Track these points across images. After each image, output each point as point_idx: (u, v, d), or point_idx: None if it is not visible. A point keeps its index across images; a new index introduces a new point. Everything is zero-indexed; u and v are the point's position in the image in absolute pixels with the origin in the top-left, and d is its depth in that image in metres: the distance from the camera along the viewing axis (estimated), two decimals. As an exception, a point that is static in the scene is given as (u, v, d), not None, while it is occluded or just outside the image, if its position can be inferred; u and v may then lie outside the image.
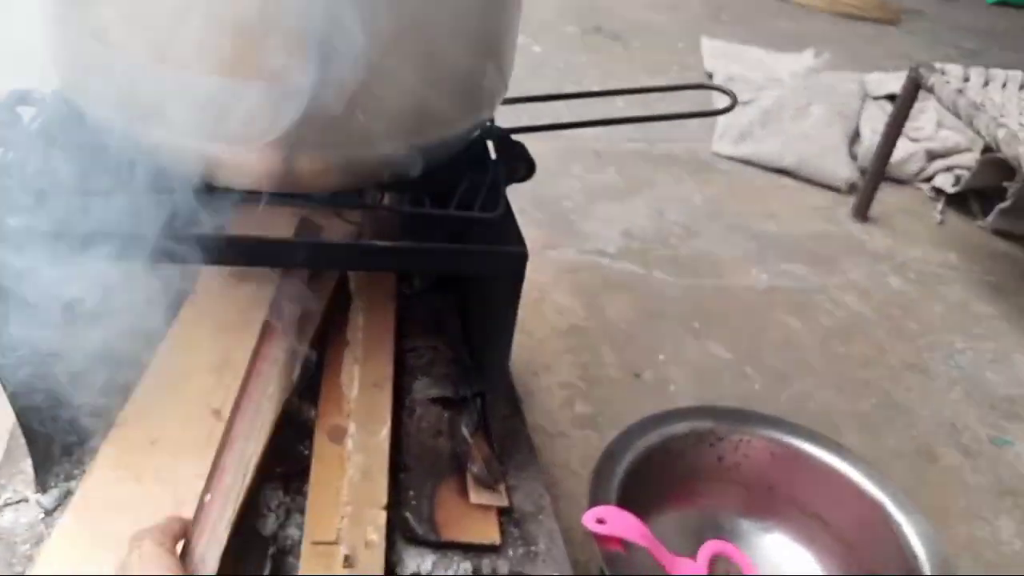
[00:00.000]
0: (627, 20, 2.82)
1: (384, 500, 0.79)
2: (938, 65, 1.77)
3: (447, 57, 0.71)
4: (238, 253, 0.75)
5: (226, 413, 0.82)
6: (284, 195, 0.75)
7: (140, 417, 0.81)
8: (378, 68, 0.67)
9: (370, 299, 1.01)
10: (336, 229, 0.81)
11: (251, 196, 0.76)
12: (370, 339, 0.96)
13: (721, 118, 2.18)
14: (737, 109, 2.22)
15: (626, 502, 0.95)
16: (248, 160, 0.71)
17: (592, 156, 2.03)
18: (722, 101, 1.14)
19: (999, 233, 1.98)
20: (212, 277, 0.99)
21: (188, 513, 0.71)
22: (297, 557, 0.76)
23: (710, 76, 2.48)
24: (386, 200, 0.83)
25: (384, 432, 0.85)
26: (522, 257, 0.77)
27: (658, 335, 1.49)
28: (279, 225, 0.81)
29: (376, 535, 0.76)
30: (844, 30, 3.09)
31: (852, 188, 2.04)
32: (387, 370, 0.92)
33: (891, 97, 2.37)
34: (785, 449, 1.07)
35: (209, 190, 0.74)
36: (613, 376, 1.39)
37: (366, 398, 0.90)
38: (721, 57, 2.57)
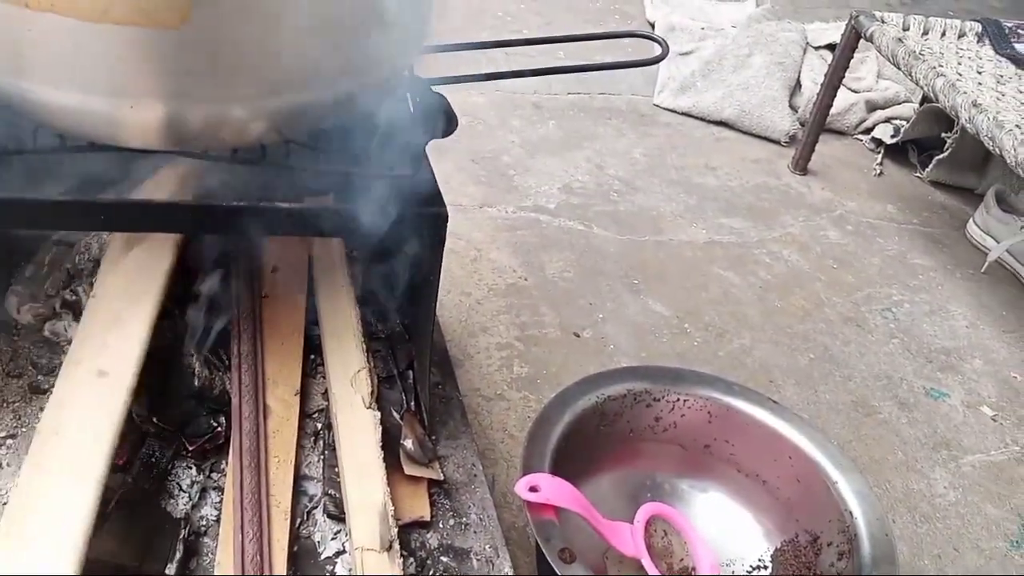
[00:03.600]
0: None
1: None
2: (878, 14, 1.75)
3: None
4: (140, 219, 0.69)
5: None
6: (177, 153, 0.70)
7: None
8: (271, 8, 0.61)
9: (288, 269, 0.96)
10: (240, 190, 0.75)
11: (148, 155, 0.71)
12: (284, 312, 0.91)
13: (662, 70, 2.14)
14: (678, 60, 2.19)
15: (561, 467, 0.92)
16: (131, 115, 0.65)
17: (531, 109, 1.98)
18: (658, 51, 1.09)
19: (937, 184, 1.99)
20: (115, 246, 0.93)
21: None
22: (213, 539, 0.72)
23: (652, 26, 2.43)
24: (290, 157, 0.77)
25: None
26: (441, 218, 0.73)
27: (598, 293, 1.46)
28: (163, 186, 0.75)
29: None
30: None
31: (792, 140, 2.03)
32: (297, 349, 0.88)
33: (832, 47, 2.35)
34: (722, 408, 1.05)
35: (95, 148, 0.68)
36: (552, 336, 1.36)
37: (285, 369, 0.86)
38: (662, 6, 2.52)
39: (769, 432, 1.03)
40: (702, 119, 2.06)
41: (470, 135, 1.76)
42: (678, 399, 1.06)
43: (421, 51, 0.79)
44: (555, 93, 2.07)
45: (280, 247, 0.97)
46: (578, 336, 1.37)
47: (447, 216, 0.73)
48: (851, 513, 0.95)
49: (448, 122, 0.82)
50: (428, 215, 0.72)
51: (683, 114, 2.07)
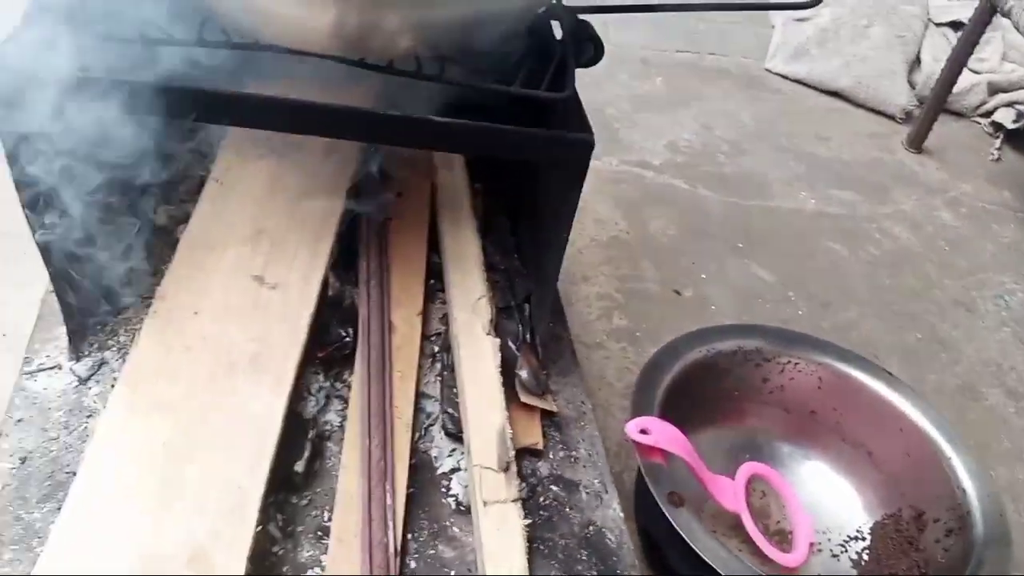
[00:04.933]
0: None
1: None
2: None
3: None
4: (286, 117, 0.70)
5: (269, 279, 0.79)
6: (338, 59, 0.70)
7: (180, 289, 0.78)
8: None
9: (412, 195, 0.96)
10: (398, 103, 0.75)
11: (305, 58, 0.71)
12: (408, 237, 0.92)
13: (775, 34, 2.08)
14: (792, 25, 2.12)
15: (667, 415, 0.91)
16: (300, 16, 0.65)
17: (639, 64, 1.95)
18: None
19: (1057, 174, 1.90)
20: (231, 151, 0.95)
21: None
22: (337, 443, 0.74)
23: (766, -9, 2.36)
24: (444, 72, 0.76)
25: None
26: (588, 144, 0.72)
27: (700, 253, 1.44)
28: (340, 93, 0.75)
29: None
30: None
31: (908, 116, 1.96)
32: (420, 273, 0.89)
33: (954, 24, 2.25)
34: (833, 375, 1.03)
35: (259, 47, 0.69)
36: (652, 291, 1.34)
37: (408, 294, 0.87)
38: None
39: (881, 403, 1.01)
40: (815, 87, 2.00)
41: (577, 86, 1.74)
42: (789, 362, 1.04)
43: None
44: (664, 50, 2.03)
45: (406, 173, 0.98)
46: (679, 294, 1.35)
47: (593, 143, 0.72)
48: (964, 491, 0.92)
49: (596, 49, 0.80)
50: (575, 141, 0.71)
51: (795, 81, 2.01)
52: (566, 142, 0.71)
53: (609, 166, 1.59)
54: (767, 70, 2.03)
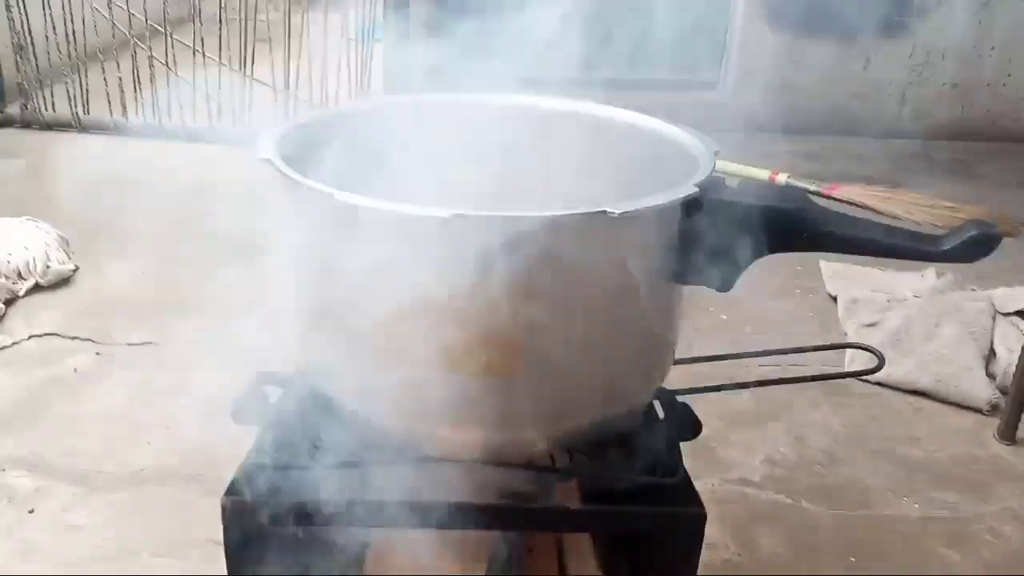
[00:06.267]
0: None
1: None
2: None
3: (634, 342, 0.83)
4: (456, 518, 0.86)
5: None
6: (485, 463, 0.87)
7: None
8: (571, 362, 0.80)
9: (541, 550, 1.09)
10: (529, 494, 0.91)
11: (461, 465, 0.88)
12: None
13: (848, 356, 2.23)
14: (864, 331, 2.29)
15: None
16: (459, 438, 0.83)
17: (725, 381, 2.10)
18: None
19: None
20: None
21: None
22: None
23: (834, 299, 2.56)
24: (573, 464, 0.93)
25: None
26: (701, 518, 0.85)
27: (814, 570, 1.49)
28: (481, 491, 0.92)
29: None
30: (962, 244, 3.14)
31: (994, 408, 2.03)
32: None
33: (1022, 313, 2.38)
34: None
35: (427, 461, 0.87)
36: (774, 616, 1.39)
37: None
38: (841, 279, 2.66)
39: None
40: (897, 389, 2.11)
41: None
42: None
43: (668, 370, 0.96)
44: (746, 366, 2.19)
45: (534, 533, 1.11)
46: (800, 616, 1.39)
47: (706, 516, 0.85)
48: None
49: (695, 426, 0.96)
50: (689, 515, 0.84)
51: (877, 384, 2.13)
52: (682, 518, 0.85)
53: (710, 487, 1.70)
54: (846, 376, 2.16)
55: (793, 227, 0.80)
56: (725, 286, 0.82)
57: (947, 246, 0.79)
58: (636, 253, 0.78)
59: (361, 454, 0.88)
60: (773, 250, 0.81)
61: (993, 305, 2.41)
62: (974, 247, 0.78)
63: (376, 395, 0.81)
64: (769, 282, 2.72)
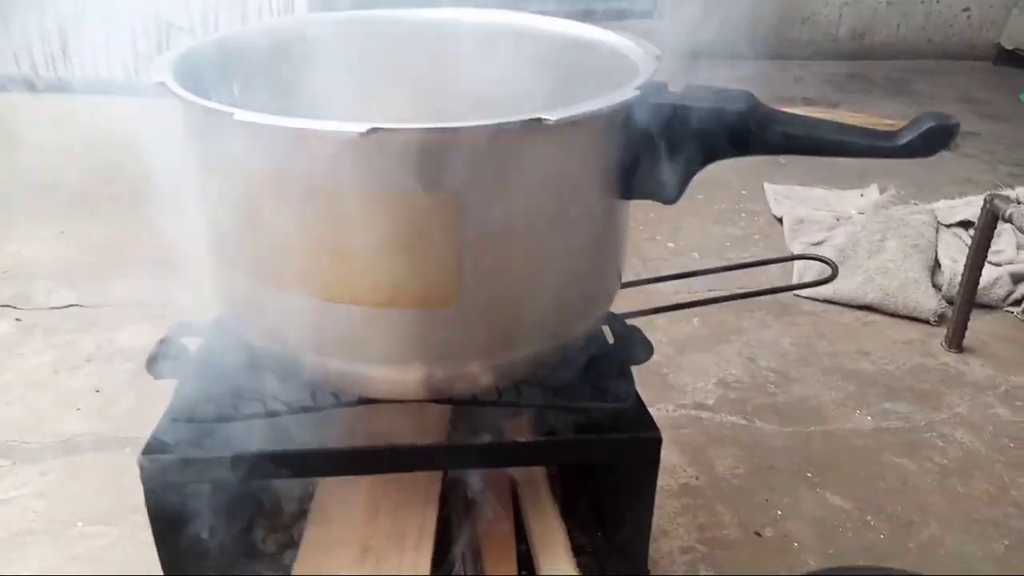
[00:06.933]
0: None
1: None
2: (1011, 193, 1.80)
3: (579, 263, 0.77)
4: (392, 461, 0.80)
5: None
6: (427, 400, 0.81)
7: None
8: (513, 288, 0.74)
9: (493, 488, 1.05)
10: (476, 430, 0.86)
11: (401, 404, 0.83)
12: (496, 533, 1.00)
13: (798, 261, 2.22)
14: (812, 250, 2.27)
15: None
16: (399, 376, 0.77)
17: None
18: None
19: (1103, 351, 1.94)
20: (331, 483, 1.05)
21: None
22: None
23: (779, 221, 2.54)
24: (521, 396, 0.88)
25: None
26: (656, 442, 0.81)
27: (772, 488, 1.48)
28: (427, 430, 0.87)
29: None
30: (902, 161, 3.14)
31: (941, 318, 2.04)
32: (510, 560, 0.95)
33: (964, 224, 2.40)
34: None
35: (362, 402, 0.81)
36: (733, 536, 1.38)
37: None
38: (786, 200, 2.64)
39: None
40: (845, 305, 2.11)
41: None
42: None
43: (616, 293, 0.91)
44: (695, 291, 2.16)
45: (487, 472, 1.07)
46: (759, 535, 1.38)
47: (661, 440, 0.81)
48: None
49: (646, 350, 0.92)
50: (644, 440, 0.80)
51: (824, 301, 2.12)
52: (637, 443, 0.81)
53: (665, 412, 1.68)
54: (796, 295, 2.15)
55: (742, 129, 0.74)
56: (672, 197, 0.77)
57: (904, 140, 0.74)
58: (577, 165, 0.72)
59: (291, 401, 0.81)
60: (722, 155, 0.76)
61: (935, 217, 2.41)
62: (932, 138, 0.74)
63: (301, 337, 0.74)
64: (714, 208, 2.69)
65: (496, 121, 0.64)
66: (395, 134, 0.63)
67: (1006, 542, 1.39)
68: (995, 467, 1.57)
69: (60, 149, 2.52)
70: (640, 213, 2.63)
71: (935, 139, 0.74)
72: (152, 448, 0.80)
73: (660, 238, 2.45)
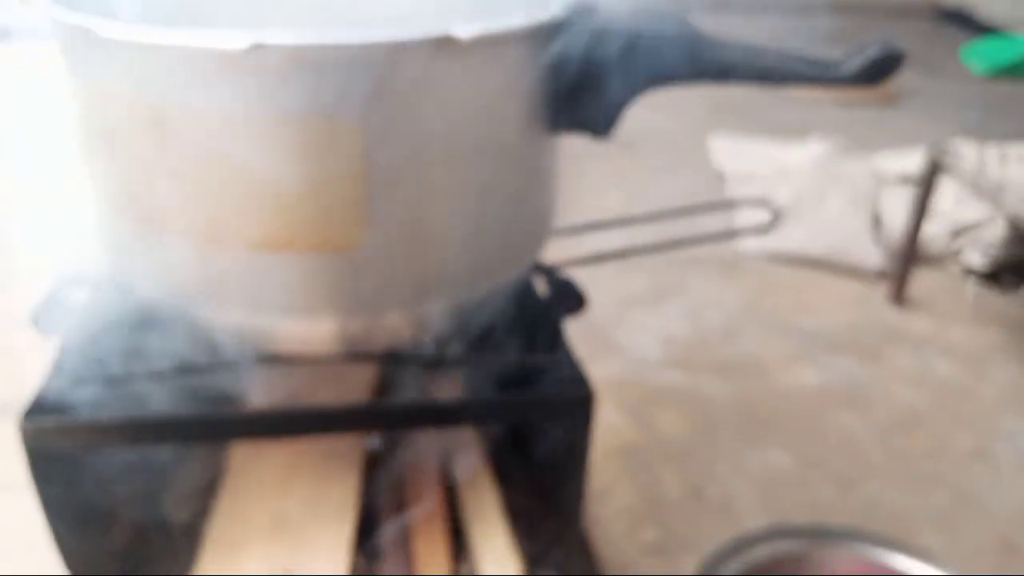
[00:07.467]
0: (630, 126, 2.87)
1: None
2: (953, 147, 1.78)
3: (501, 203, 0.71)
4: (307, 423, 0.73)
5: (296, 570, 0.80)
6: (345, 357, 0.74)
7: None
8: (429, 228, 0.67)
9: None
10: (398, 389, 0.79)
11: (311, 361, 0.75)
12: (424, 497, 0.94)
13: (740, 217, 2.19)
14: (754, 207, 2.24)
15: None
16: (308, 329, 0.70)
17: (618, 263, 2.03)
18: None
19: (1038, 304, 1.95)
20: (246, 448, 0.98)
21: None
22: None
23: (721, 175, 2.51)
24: (445, 351, 0.81)
25: None
26: (589, 399, 0.75)
27: (714, 446, 1.45)
28: (341, 390, 0.80)
29: None
30: (844, 116, 3.14)
31: (882, 273, 2.03)
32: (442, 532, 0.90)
33: (903, 178, 2.38)
34: (877, 567, 1.01)
35: (267, 360, 0.73)
36: (674, 496, 1.34)
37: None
38: (729, 155, 2.60)
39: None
40: (788, 260, 2.08)
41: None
42: (824, 560, 1.02)
43: (546, 240, 0.84)
44: (637, 245, 2.12)
45: (410, 433, 1.00)
46: (701, 494, 1.35)
47: (593, 395, 0.75)
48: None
49: (578, 301, 0.86)
50: (577, 396, 0.74)
51: (768, 257, 2.10)
52: (567, 401, 0.75)
53: (607, 371, 1.63)
54: (739, 252, 2.12)
55: (679, 55, 0.68)
56: (603, 130, 0.70)
57: (849, 67, 0.69)
58: (495, 91, 0.64)
59: (188, 359, 0.74)
60: (657, 83, 0.69)
61: (876, 171, 2.40)
62: (878, 66, 0.68)
63: (192, 288, 0.67)
64: (654, 161, 2.64)
65: (401, 39, 0.57)
66: (283, 51, 0.55)
67: (944, 496, 1.38)
68: (935, 422, 1.56)
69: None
70: (577, 166, 2.57)
71: (881, 67, 0.69)
72: (34, 410, 0.71)
73: (599, 191, 2.39)
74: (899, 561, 1.01)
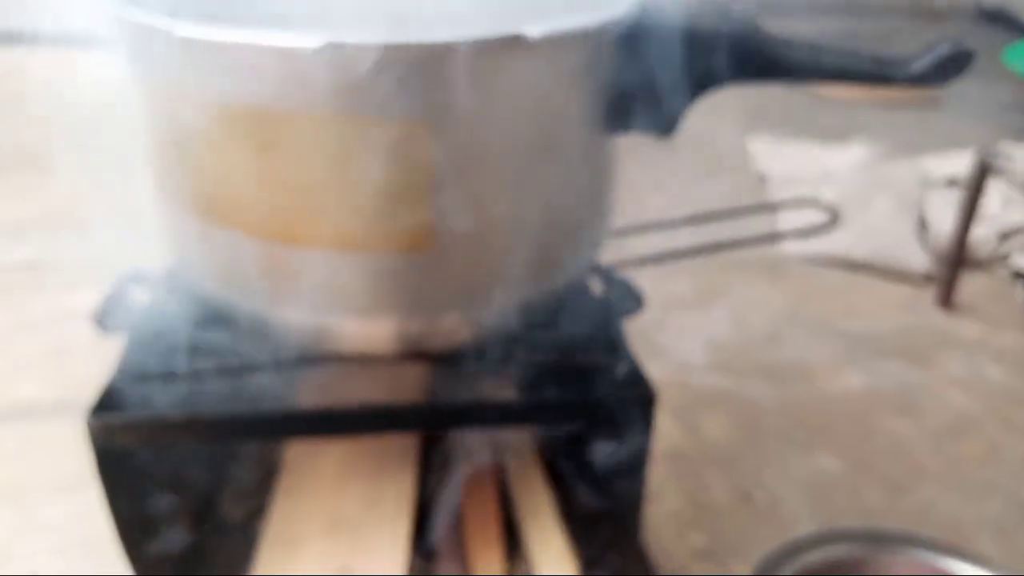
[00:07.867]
0: (670, 130, 2.85)
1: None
2: (1000, 150, 1.75)
3: (565, 203, 0.71)
4: (363, 422, 0.74)
5: (354, 569, 0.80)
6: (403, 356, 0.75)
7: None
8: (491, 229, 0.67)
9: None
10: (456, 389, 0.80)
11: (369, 361, 0.76)
12: (479, 498, 0.94)
13: (784, 220, 2.17)
14: (798, 209, 2.22)
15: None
16: (369, 329, 0.70)
17: (660, 266, 2.02)
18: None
19: (1092, 309, 1.91)
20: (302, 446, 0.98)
21: None
22: None
23: (762, 178, 2.48)
24: (504, 352, 0.81)
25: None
26: (652, 399, 0.75)
27: (761, 450, 1.43)
28: (399, 389, 0.80)
29: None
30: (887, 119, 3.09)
31: (929, 277, 1.99)
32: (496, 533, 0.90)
33: (950, 181, 2.35)
34: (937, 572, 1.00)
35: (325, 358, 0.74)
36: (723, 501, 1.33)
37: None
38: (771, 157, 2.58)
39: (986, 596, 0.97)
40: (834, 263, 2.06)
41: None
42: (881, 564, 1.01)
43: (605, 240, 0.84)
44: (681, 249, 2.11)
45: (465, 436, 1.00)
46: (749, 499, 1.33)
47: (655, 397, 0.75)
48: None
49: (637, 302, 0.85)
50: (638, 397, 0.74)
51: (812, 260, 2.07)
52: (630, 401, 0.74)
53: (650, 373, 1.62)
54: (785, 254, 2.10)
55: (743, 53, 0.67)
56: (667, 130, 0.70)
57: (919, 67, 0.68)
58: (563, 90, 0.64)
59: (251, 357, 0.74)
60: (721, 82, 0.69)
61: (922, 174, 2.36)
62: (947, 66, 0.67)
63: (258, 286, 0.67)
64: (694, 164, 2.63)
65: (471, 39, 0.57)
66: (358, 50, 0.55)
67: (999, 503, 1.35)
68: (988, 428, 1.53)
69: (6, 103, 2.40)
70: (622, 167, 2.56)
71: (951, 66, 0.68)
72: (101, 407, 0.73)
73: (639, 194, 2.38)
74: (958, 567, 0.99)
